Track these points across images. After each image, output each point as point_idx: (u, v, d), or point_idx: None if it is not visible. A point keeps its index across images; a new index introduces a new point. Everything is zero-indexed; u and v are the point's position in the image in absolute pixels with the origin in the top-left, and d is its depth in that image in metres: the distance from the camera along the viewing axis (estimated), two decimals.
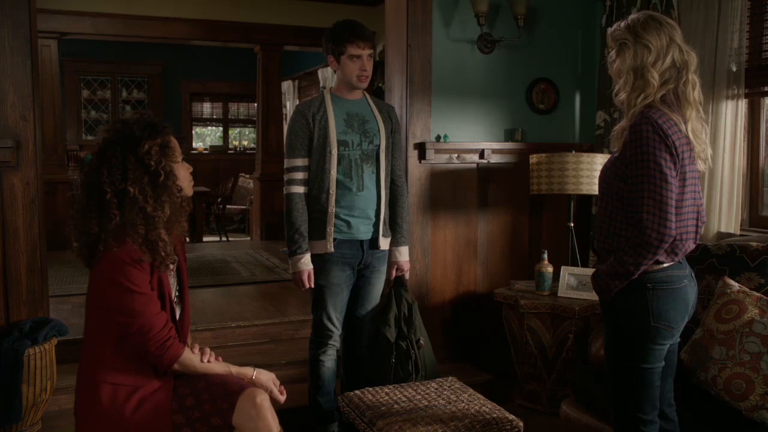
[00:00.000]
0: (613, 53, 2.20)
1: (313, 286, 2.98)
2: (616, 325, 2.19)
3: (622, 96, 2.17)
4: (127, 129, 2.10)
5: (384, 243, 3.07)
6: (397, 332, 3.09)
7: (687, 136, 2.09)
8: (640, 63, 2.10)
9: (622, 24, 2.17)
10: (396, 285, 3.19)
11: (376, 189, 3.00)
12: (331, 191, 2.91)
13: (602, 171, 2.23)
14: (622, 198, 2.11)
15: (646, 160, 2.02)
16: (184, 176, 2.20)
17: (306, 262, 2.93)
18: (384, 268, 3.14)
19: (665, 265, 2.10)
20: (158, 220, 2.06)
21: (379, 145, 2.99)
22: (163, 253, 2.07)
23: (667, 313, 2.10)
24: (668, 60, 2.09)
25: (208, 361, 2.21)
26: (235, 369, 2.25)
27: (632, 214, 2.07)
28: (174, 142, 2.16)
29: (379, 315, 3.14)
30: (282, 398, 2.31)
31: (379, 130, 3.00)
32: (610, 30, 2.22)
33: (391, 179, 3.10)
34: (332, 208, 2.92)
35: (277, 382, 2.32)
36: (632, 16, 2.17)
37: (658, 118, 2.04)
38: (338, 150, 2.91)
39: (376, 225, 3.01)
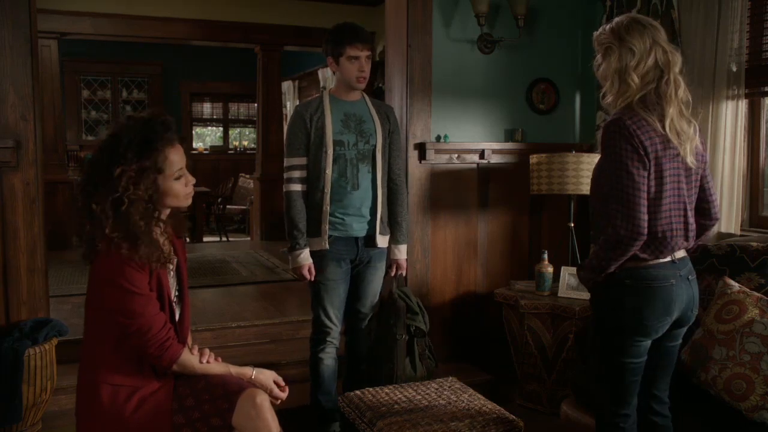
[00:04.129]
0: (599, 57, 2.23)
1: (314, 278, 3.02)
2: (597, 317, 2.25)
3: (609, 98, 2.20)
4: (114, 142, 2.04)
5: (382, 241, 3.13)
6: (410, 330, 3.21)
7: (663, 134, 2.10)
8: (624, 66, 2.12)
9: (607, 27, 2.20)
10: (400, 285, 3.28)
11: (371, 188, 3.05)
12: (326, 190, 2.98)
13: (592, 172, 2.29)
14: (602, 197, 2.15)
15: (614, 161, 2.07)
16: (178, 191, 2.13)
17: (305, 257, 3.00)
18: (382, 264, 3.19)
19: (649, 262, 2.12)
20: (118, 240, 2.02)
21: (375, 145, 3.05)
22: (146, 260, 2.04)
23: (641, 310, 2.12)
24: (650, 61, 2.12)
25: (207, 362, 2.21)
26: (234, 369, 2.25)
27: (606, 212, 2.11)
28: (168, 159, 2.07)
29: (401, 315, 3.19)
30: (283, 395, 2.31)
31: (375, 130, 3.05)
32: (595, 34, 2.25)
33: (391, 178, 3.15)
34: (327, 206, 2.98)
35: (279, 380, 2.32)
36: (616, 20, 2.20)
37: (627, 118, 2.08)
38: (334, 150, 2.97)
39: (371, 223, 3.07)
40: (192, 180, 2.19)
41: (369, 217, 3.06)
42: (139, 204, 2.02)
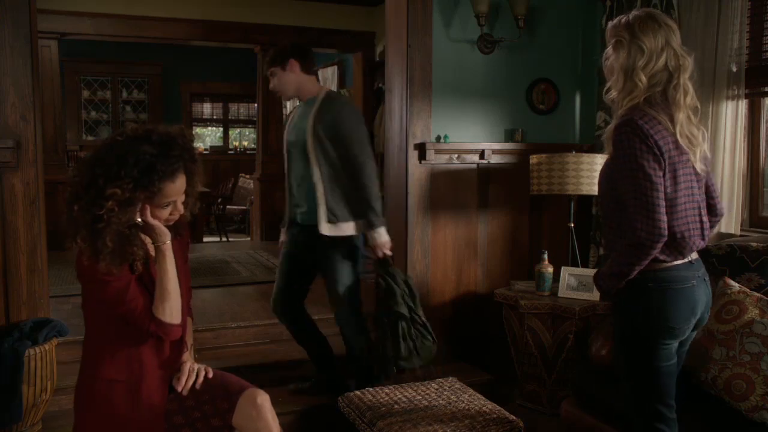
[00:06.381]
0: (609, 49, 2.20)
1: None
2: (621, 325, 2.19)
3: (613, 94, 2.18)
4: (122, 155, 1.95)
5: (327, 228, 3.18)
6: (407, 308, 3.19)
7: (674, 135, 2.08)
8: (632, 64, 2.10)
9: (623, 20, 2.16)
10: (382, 268, 3.21)
11: (307, 181, 3.24)
12: (288, 183, 3.38)
13: (600, 173, 2.25)
14: (616, 200, 2.12)
15: (629, 162, 2.04)
16: (159, 216, 2.06)
17: (282, 234, 3.50)
18: (334, 253, 3.24)
19: (668, 264, 2.10)
20: (83, 248, 1.99)
21: (305, 141, 3.21)
22: (105, 270, 1.98)
23: (667, 312, 2.09)
24: (660, 63, 2.09)
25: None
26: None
27: (625, 215, 2.07)
28: (161, 192, 2.00)
29: (385, 298, 3.20)
30: None
31: (306, 128, 3.23)
32: (611, 23, 2.21)
33: (344, 167, 3.16)
34: (288, 198, 3.39)
35: None
36: (634, 13, 2.16)
37: (639, 118, 2.05)
38: (287, 147, 3.35)
39: (311, 213, 3.23)
40: (180, 210, 2.10)
41: (307, 208, 3.26)
42: (117, 226, 1.95)
